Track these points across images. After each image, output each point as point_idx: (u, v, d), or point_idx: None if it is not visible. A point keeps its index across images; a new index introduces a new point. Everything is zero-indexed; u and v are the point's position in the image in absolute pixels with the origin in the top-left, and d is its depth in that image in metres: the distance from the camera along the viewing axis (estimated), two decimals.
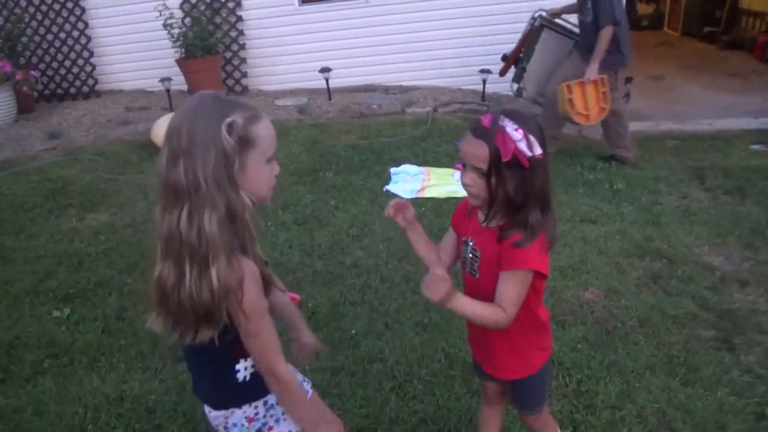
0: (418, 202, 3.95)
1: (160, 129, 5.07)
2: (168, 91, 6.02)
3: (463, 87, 6.49)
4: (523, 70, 5.30)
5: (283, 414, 1.36)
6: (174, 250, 1.13)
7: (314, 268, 3.16)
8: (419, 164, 4.58)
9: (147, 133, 5.19)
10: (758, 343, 2.59)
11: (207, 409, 1.38)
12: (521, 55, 5.35)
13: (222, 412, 1.34)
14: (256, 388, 1.31)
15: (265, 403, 1.35)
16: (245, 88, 6.78)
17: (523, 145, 1.32)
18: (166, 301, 1.17)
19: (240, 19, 6.54)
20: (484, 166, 1.34)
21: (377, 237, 3.49)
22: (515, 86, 5.44)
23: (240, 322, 1.17)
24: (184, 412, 2.19)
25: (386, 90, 6.62)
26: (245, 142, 1.14)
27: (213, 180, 1.10)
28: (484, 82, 6.10)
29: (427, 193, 4.10)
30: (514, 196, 1.35)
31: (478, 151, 1.34)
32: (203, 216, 1.10)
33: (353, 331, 2.64)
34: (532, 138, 1.34)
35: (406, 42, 6.48)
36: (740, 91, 7.42)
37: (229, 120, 1.12)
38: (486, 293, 1.43)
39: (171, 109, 5.87)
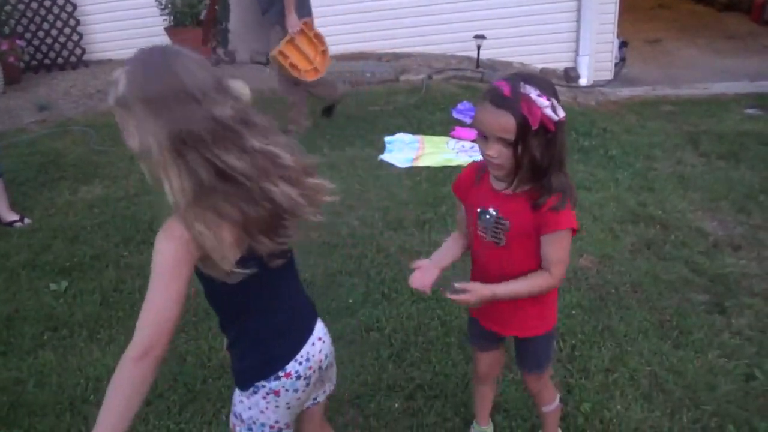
0: (414, 171, 3.94)
1: None
2: None
3: (457, 53, 6.40)
4: (226, 30, 4.92)
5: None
6: None
7: (309, 239, 3.15)
8: (414, 133, 4.55)
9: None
10: (749, 306, 2.63)
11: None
12: (217, 15, 4.94)
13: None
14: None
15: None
16: (234, 58, 6.66)
17: (549, 111, 1.31)
18: None
19: None
20: (510, 137, 1.31)
21: (372, 206, 3.49)
22: (221, 51, 5.07)
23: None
24: (185, 382, 2.22)
25: (379, 57, 6.51)
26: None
27: None
28: (479, 48, 6.02)
29: (422, 162, 4.08)
30: (540, 161, 1.35)
31: (502, 121, 1.31)
32: None
33: (350, 301, 2.66)
34: (554, 101, 1.32)
35: (399, 8, 6.35)
36: (737, 53, 7.37)
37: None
38: (514, 259, 1.47)
39: None
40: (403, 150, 4.24)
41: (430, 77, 5.83)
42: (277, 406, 1.30)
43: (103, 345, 2.44)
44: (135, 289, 2.76)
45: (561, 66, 6.38)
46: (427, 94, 5.36)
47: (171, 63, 1.08)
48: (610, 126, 4.93)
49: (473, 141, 4.39)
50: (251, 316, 1.28)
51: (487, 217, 1.47)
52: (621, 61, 6.68)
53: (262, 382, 1.27)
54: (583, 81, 6.28)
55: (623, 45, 6.73)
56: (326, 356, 1.37)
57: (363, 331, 2.48)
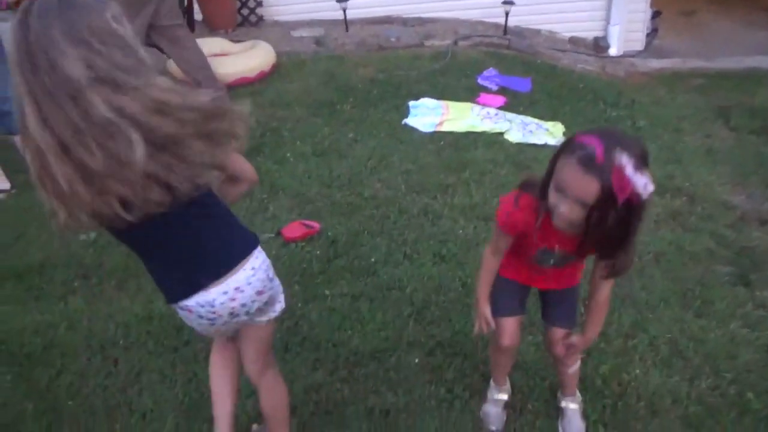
0: (437, 137, 3.91)
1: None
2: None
3: (485, 20, 6.27)
4: None
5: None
6: None
7: (333, 199, 3.18)
8: (438, 98, 4.51)
9: (161, 63, 5.13)
10: None
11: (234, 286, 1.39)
12: None
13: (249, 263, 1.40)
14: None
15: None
16: (260, 18, 6.60)
17: (640, 182, 1.22)
18: None
19: None
20: (590, 202, 1.26)
21: (395, 170, 3.49)
22: None
23: None
24: None
25: (404, 22, 6.41)
26: None
27: None
28: (507, 14, 5.88)
29: (446, 127, 4.05)
30: (610, 234, 1.31)
31: (588, 186, 1.24)
32: None
33: (372, 260, 2.69)
34: (646, 177, 1.24)
35: None
36: None
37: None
38: (566, 273, 1.66)
39: None
40: (428, 115, 4.21)
41: (455, 43, 5.74)
42: (187, 319, 1.48)
43: (131, 294, 2.50)
44: None
45: (590, 35, 6.23)
46: (453, 60, 5.28)
47: None
48: (639, 97, 4.83)
49: (498, 108, 4.34)
50: None
51: (551, 255, 1.53)
52: (653, 32, 6.50)
53: None
54: (613, 51, 6.13)
55: (656, 15, 6.53)
56: (244, 305, 1.41)
57: (385, 289, 2.51)
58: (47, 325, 2.33)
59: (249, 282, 1.40)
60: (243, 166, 1.42)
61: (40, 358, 2.19)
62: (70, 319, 2.36)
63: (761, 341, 2.25)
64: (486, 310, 1.69)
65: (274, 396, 1.68)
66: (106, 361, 2.16)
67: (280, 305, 1.55)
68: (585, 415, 1.93)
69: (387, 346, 2.21)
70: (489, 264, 1.67)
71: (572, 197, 1.29)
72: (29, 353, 2.21)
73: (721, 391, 2.03)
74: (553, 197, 1.35)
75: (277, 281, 1.52)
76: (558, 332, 1.75)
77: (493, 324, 1.69)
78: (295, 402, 1.99)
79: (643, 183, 1.23)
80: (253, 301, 1.43)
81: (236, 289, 1.38)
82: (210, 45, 5.32)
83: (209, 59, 4.85)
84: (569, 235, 1.43)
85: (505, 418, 1.93)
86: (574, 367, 1.84)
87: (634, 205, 1.25)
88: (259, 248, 1.43)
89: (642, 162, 1.25)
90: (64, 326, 2.32)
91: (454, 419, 1.93)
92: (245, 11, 6.59)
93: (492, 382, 1.98)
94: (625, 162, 1.21)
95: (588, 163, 1.23)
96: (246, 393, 1.93)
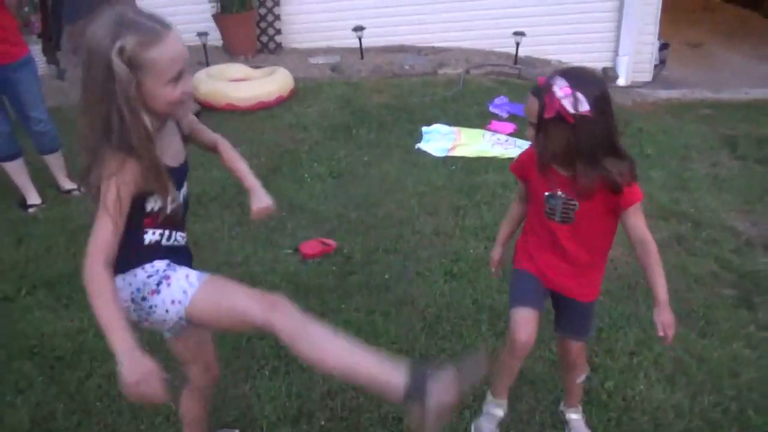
0: (450, 161, 4.05)
1: (197, 83, 5.20)
2: (204, 45, 6.13)
3: (496, 49, 6.46)
4: (57, 48, 4.27)
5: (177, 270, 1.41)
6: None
7: (349, 218, 3.31)
8: (450, 124, 4.65)
9: None
10: None
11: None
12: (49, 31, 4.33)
13: (126, 280, 1.38)
14: (158, 252, 1.41)
15: (169, 264, 1.41)
16: (279, 45, 6.84)
17: (567, 102, 1.41)
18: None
19: None
20: (535, 121, 1.47)
21: (409, 191, 3.61)
22: (54, 68, 4.55)
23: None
24: (231, 340, 2.38)
25: (418, 51, 6.61)
26: (139, 67, 1.20)
27: (94, 94, 1.23)
28: (517, 44, 6.07)
29: (458, 152, 4.18)
30: (566, 147, 1.46)
31: (531, 107, 1.47)
32: (80, 119, 1.28)
33: (386, 276, 2.79)
34: (580, 95, 1.41)
35: (440, 3, 6.44)
36: None
37: (118, 45, 1.18)
38: (584, 234, 1.62)
39: (207, 64, 5.98)
40: (440, 140, 4.35)
41: (467, 71, 5.91)
42: None
43: None
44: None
45: (600, 65, 6.39)
46: (465, 88, 5.45)
47: None
48: (647, 126, 4.95)
49: (509, 134, 4.47)
50: None
51: (556, 200, 1.61)
52: (661, 63, 6.65)
53: None
54: (621, 81, 6.28)
55: (664, 47, 6.69)
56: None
57: (398, 304, 2.61)
58: (77, 331, 2.45)
59: None
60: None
61: (70, 361, 2.31)
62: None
63: (763, 361, 2.32)
64: (496, 253, 1.91)
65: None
66: None
67: (171, 318, 1.42)
68: (589, 426, 2.00)
69: (400, 357, 2.30)
70: (511, 211, 1.88)
71: (528, 121, 1.54)
72: (60, 357, 2.33)
73: (723, 408, 2.10)
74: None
75: (158, 296, 1.39)
76: (569, 343, 1.83)
77: (499, 272, 1.94)
78: (312, 408, 2.08)
79: (567, 96, 1.40)
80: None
81: None
82: (232, 70, 5.55)
83: (232, 84, 5.05)
84: (567, 178, 1.56)
85: None
86: (581, 377, 1.91)
87: (571, 122, 1.42)
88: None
89: (580, 86, 1.42)
90: (92, 332, 2.43)
91: (464, 428, 2.00)
92: (264, 38, 6.84)
93: (489, 395, 1.92)
94: (558, 84, 1.42)
95: (534, 89, 1.51)
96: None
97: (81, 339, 2.41)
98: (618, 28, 6.24)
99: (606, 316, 2.53)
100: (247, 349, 2.35)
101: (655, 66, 6.54)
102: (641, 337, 2.42)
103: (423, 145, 4.29)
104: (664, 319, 1.61)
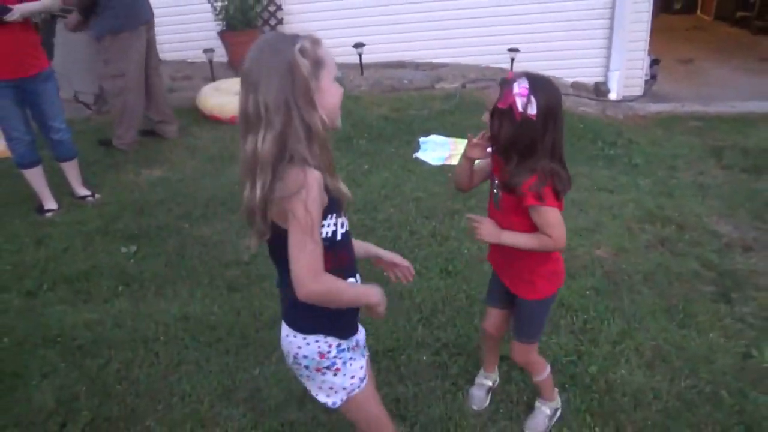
0: (446, 169, 4.23)
1: (205, 97, 5.43)
2: (211, 62, 6.36)
3: (492, 65, 6.69)
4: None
5: (351, 357, 1.48)
6: (246, 171, 1.28)
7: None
8: (447, 135, 4.85)
9: (193, 100, 5.55)
10: (754, 299, 2.84)
11: (282, 332, 1.47)
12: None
13: (296, 339, 1.42)
14: (344, 321, 1.45)
15: (339, 345, 1.44)
16: None
17: (520, 101, 1.57)
18: (245, 212, 1.32)
19: None
20: (491, 107, 1.65)
21: (407, 197, 3.80)
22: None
23: (289, 225, 1.24)
24: (241, 330, 2.55)
25: (416, 66, 6.85)
26: (317, 63, 1.27)
27: (274, 104, 1.22)
28: (512, 60, 6.30)
29: (454, 161, 4.34)
30: (507, 139, 1.63)
31: (492, 94, 1.64)
32: (258, 137, 1.23)
33: (384, 274, 2.95)
34: (533, 99, 1.56)
35: (438, 20, 6.68)
36: None
37: (299, 46, 1.25)
38: (508, 222, 1.74)
39: (213, 79, 6.20)
40: (437, 150, 4.55)
41: (464, 86, 6.13)
42: None
43: (169, 299, 2.79)
44: (194, 255, 3.12)
45: (592, 80, 6.62)
46: (461, 102, 5.66)
47: None
48: (636, 137, 5.15)
49: None
50: None
51: (495, 183, 1.79)
52: (651, 78, 6.87)
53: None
54: (613, 95, 6.50)
55: (654, 63, 6.92)
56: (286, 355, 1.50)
57: (397, 298, 2.76)
58: (96, 323, 2.62)
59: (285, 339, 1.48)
60: None
61: (90, 350, 2.47)
62: (115, 317, 2.65)
63: (737, 349, 2.48)
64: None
65: None
66: (149, 353, 2.43)
67: (324, 399, 1.51)
68: (553, 419, 2.11)
69: (398, 345, 2.47)
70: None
71: (485, 106, 1.67)
72: (80, 345, 2.49)
73: (698, 390, 2.25)
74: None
75: (320, 376, 1.47)
76: (512, 342, 1.99)
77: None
78: None
79: (521, 96, 1.56)
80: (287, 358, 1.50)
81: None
82: (238, 85, 5.76)
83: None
84: (503, 164, 1.70)
85: (487, 402, 2.20)
86: (538, 377, 2.06)
87: (517, 119, 1.57)
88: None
89: (537, 91, 1.57)
90: (110, 324, 2.60)
91: (458, 407, 2.16)
92: None
93: (482, 370, 2.26)
94: (520, 83, 1.57)
95: (502, 80, 1.63)
96: None
97: (100, 329, 2.58)
98: (609, 45, 6.48)
99: (591, 309, 2.70)
100: (256, 339, 2.51)
101: (646, 81, 6.76)
102: (624, 328, 2.58)
103: (420, 155, 4.49)
104: (485, 224, 1.74)
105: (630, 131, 5.37)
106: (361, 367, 1.52)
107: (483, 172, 1.89)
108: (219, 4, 6.48)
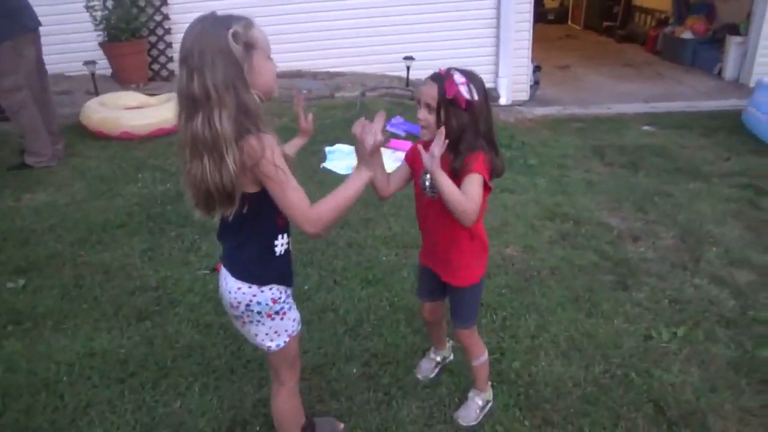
0: None
1: (90, 112, 5.03)
2: (93, 74, 5.92)
3: (388, 73, 6.82)
4: None
5: (293, 302, 1.69)
6: (197, 150, 1.38)
7: None
8: (351, 144, 4.85)
9: (74, 117, 5.14)
10: (647, 284, 3.11)
11: (230, 287, 1.57)
12: None
13: (251, 289, 1.55)
14: (287, 271, 1.63)
15: (286, 291, 1.64)
16: (171, 73, 6.74)
17: (463, 89, 1.68)
18: (197, 192, 1.44)
19: (165, 2, 6.50)
20: (434, 103, 1.70)
21: None
22: None
23: (268, 186, 1.42)
24: (156, 361, 2.38)
25: (314, 76, 6.82)
26: (249, 46, 1.38)
27: (222, 85, 1.34)
28: (408, 68, 6.46)
29: None
30: (457, 129, 1.71)
31: (431, 90, 1.71)
32: (214, 117, 1.34)
33: (306, 287, 2.90)
34: (472, 87, 1.71)
35: (334, 29, 6.71)
36: (634, 79, 8.29)
37: (232, 31, 1.35)
38: (443, 209, 1.75)
39: (96, 93, 5.78)
40: (344, 159, 4.54)
41: (363, 94, 6.19)
42: None
43: (69, 334, 2.53)
44: (95, 285, 2.86)
45: None
46: (363, 109, 5.70)
47: None
48: (528, 140, 5.47)
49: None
50: None
51: (426, 176, 1.82)
52: (535, 84, 7.34)
53: None
54: (503, 100, 6.87)
55: (537, 69, 7.40)
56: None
57: (320, 312, 2.72)
58: None
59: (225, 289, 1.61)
60: None
61: None
62: (8, 361, 2.36)
63: (639, 332, 2.69)
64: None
65: (274, 413, 1.83)
66: (52, 397, 2.19)
67: (269, 343, 1.64)
68: (486, 412, 2.18)
69: (326, 360, 2.42)
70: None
71: (423, 104, 1.73)
72: None
73: (611, 374, 2.42)
74: (418, 113, 1.77)
75: (269, 321, 1.61)
76: (456, 330, 2.09)
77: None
78: (246, 416, 2.14)
79: (464, 84, 1.68)
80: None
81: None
82: (126, 98, 5.42)
83: (127, 112, 4.95)
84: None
85: (433, 373, 2.36)
86: (476, 361, 2.14)
87: (465, 108, 1.68)
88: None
89: (472, 81, 1.71)
90: (2, 369, 2.32)
91: (393, 416, 2.15)
92: (156, 66, 6.73)
93: (432, 347, 2.42)
94: (455, 73, 1.70)
95: (433, 76, 1.73)
96: None
97: None
98: (496, 53, 6.85)
99: (508, 306, 2.81)
100: (174, 368, 2.35)
101: (531, 86, 7.21)
102: (540, 322, 2.71)
103: (328, 164, 4.46)
104: (434, 153, 1.67)
105: (522, 134, 5.70)
106: (297, 311, 1.72)
107: (400, 179, 1.96)
108: (99, 13, 6.05)
